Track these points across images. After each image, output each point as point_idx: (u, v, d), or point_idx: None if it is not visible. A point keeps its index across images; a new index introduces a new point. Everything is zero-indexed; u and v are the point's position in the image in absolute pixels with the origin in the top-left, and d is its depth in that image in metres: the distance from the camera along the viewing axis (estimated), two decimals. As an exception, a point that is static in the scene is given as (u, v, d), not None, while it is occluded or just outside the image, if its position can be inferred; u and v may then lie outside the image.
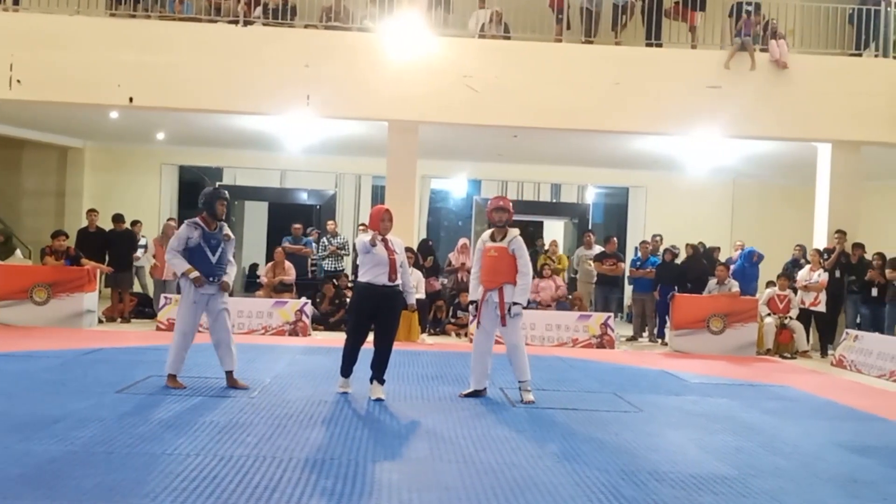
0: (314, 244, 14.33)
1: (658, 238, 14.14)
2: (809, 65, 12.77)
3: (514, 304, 7.27)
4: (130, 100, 12.19)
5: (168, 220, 14.49)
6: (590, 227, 17.19)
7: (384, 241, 7.06)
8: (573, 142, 14.22)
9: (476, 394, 7.53)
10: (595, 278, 13.84)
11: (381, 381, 7.22)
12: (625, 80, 12.48)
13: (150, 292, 13.81)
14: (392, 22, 12.37)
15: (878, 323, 11.84)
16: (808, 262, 12.71)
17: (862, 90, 12.60)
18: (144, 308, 13.43)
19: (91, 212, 13.09)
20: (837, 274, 12.43)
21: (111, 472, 4.59)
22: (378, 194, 16.83)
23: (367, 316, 7.13)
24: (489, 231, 7.62)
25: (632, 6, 13.30)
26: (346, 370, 7.33)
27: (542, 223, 20.24)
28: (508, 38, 12.96)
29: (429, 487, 4.62)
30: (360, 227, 13.98)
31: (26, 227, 16.49)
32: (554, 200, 18.55)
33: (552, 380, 8.78)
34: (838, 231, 12.59)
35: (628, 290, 14.41)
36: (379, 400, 7.08)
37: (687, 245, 13.62)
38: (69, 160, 17.11)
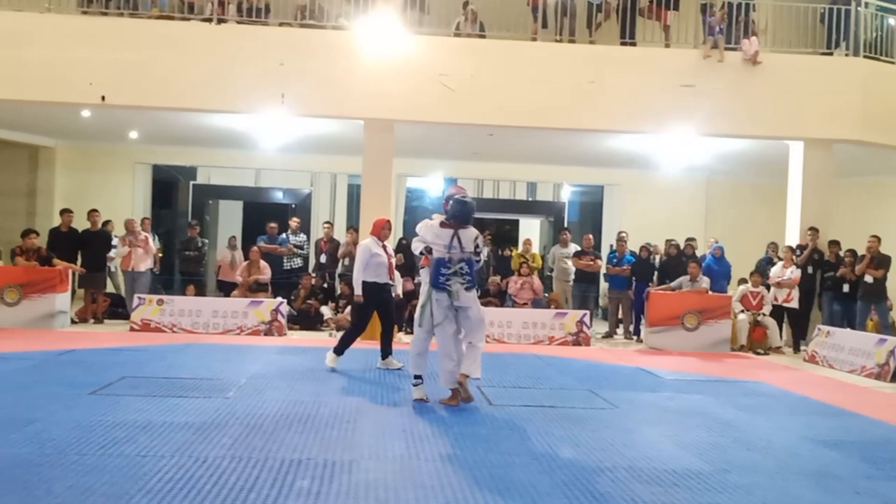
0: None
1: (624, 235, 14.14)
2: (781, 63, 12.86)
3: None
4: (103, 98, 12.04)
5: (143, 219, 14.31)
6: (566, 226, 17.21)
7: (383, 246, 8.61)
8: (549, 140, 14.24)
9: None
10: (572, 276, 13.87)
11: (391, 353, 8.87)
12: (600, 79, 12.52)
13: (122, 291, 13.67)
14: (367, 20, 12.31)
15: (849, 319, 12.00)
16: (780, 259, 12.85)
17: (833, 89, 12.73)
18: (118, 309, 13.29)
19: (65, 212, 12.93)
20: (810, 270, 12.58)
21: (85, 474, 4.55)
22: (354, 193, 16.73)
23: (373, 308, 8.66)
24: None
25: (607, 5, 13.35)
26: (341, 350, 8.70)
27: (517, 221, 20.28)
28: (484, 36, 12.97)
29: (406, 486, 4.61)
30: (325, 226, 14.28)
31: (-4, 228, 16.25)
32: (530, 199, 18.55)
33: (528, 377, 8.83)
34: (811, 228, 12.73)
35: (604, 286, 14.45)
36: (399, 370, 8.63)
37: (671, 246, 13.69)
38: (40, 159, 16.83)
